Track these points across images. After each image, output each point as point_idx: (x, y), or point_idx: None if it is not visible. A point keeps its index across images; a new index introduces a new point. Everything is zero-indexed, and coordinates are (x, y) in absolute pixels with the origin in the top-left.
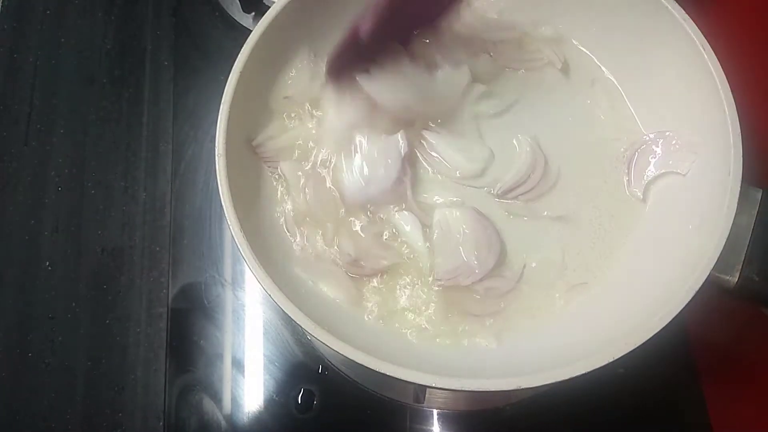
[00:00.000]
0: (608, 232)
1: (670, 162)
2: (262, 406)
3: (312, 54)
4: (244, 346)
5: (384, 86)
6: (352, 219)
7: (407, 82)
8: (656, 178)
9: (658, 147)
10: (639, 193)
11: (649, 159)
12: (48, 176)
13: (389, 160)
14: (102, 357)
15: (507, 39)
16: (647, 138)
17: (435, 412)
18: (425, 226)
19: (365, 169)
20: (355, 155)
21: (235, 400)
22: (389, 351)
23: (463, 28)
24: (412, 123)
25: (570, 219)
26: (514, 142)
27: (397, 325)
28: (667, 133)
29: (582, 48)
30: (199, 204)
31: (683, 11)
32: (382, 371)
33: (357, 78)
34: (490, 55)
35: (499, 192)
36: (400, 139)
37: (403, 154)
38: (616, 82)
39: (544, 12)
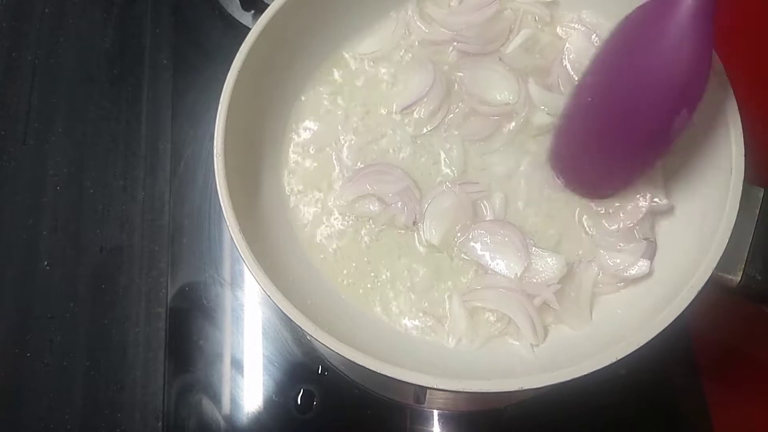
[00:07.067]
0: None
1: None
2: (262, 407)
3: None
4: (244, 346)
5: None
6: None
7: None
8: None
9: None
10: None
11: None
12: (46, 175)
13: None
14: (101, 357)
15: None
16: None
17: (435, 412)
18: None
19: None
20: None
21: (234, 401)
22: (390, 351)
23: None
24: None
25: None
26: None
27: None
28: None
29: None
30: (199, 203)
31: None
32: (383, 372)
33: None
34: None
35: None
36: None
37: None
38: None
39: None
